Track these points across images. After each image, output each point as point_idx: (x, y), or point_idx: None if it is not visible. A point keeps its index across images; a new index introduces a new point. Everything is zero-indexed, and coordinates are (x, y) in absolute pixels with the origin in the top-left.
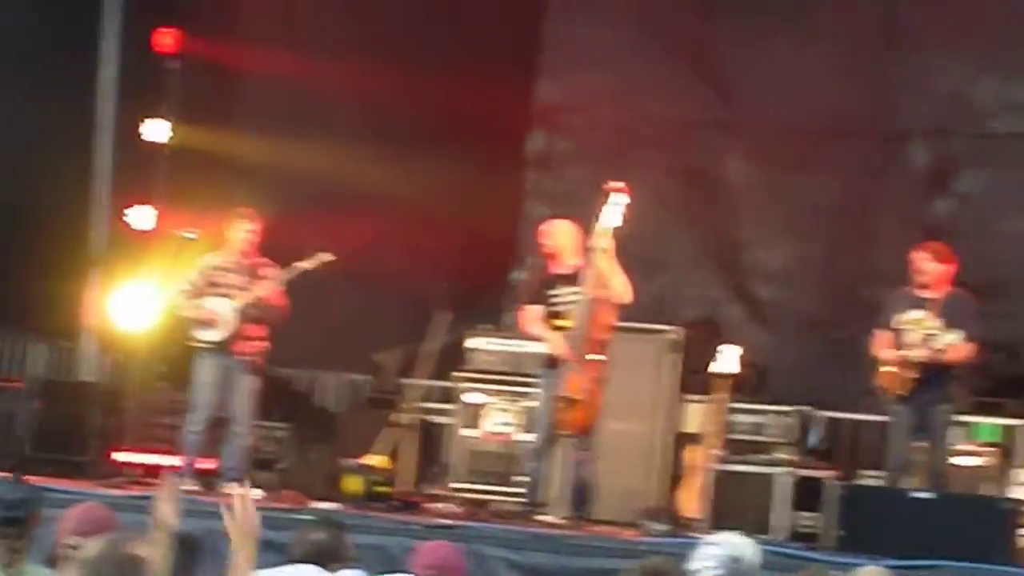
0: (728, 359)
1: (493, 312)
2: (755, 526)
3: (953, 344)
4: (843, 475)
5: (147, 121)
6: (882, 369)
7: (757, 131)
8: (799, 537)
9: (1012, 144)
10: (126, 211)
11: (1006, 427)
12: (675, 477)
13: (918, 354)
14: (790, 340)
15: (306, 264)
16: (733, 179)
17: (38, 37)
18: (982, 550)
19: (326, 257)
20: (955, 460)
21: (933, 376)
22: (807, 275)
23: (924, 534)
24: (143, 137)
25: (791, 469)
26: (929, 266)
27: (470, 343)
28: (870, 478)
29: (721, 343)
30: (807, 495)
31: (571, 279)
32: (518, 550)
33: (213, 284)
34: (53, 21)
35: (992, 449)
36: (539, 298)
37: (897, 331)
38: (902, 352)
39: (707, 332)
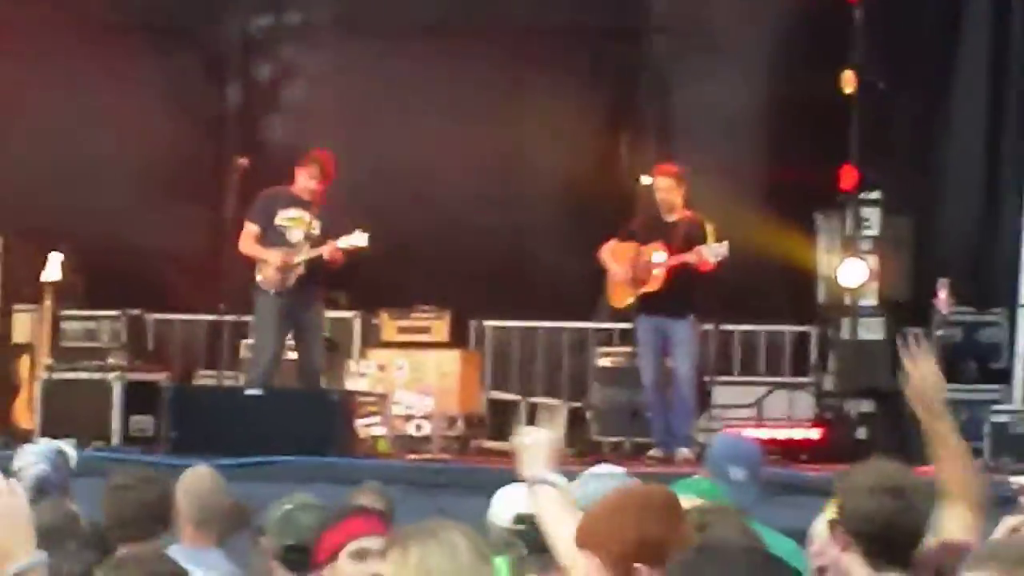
0: (53, 266)
1: None
2: (92, 433)
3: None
4: (179, 376)
5: None
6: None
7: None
8: (137, 441)
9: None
10: None
11: (336, 320)
12: (7, 389)
13: (303, 253)
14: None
15: None
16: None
17: None
18: (317, 443)
19: None
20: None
21: (312, 272)
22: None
23: (258, 431)
24: None
25: (124, 373)
26: (311, 184)
27: None
28: (207, 378)
29: (48, 250)
30: (143, 398)
31: None
32: None
33: None
34: None
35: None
36: None
37: (278, 228)
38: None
39: (31, 239)
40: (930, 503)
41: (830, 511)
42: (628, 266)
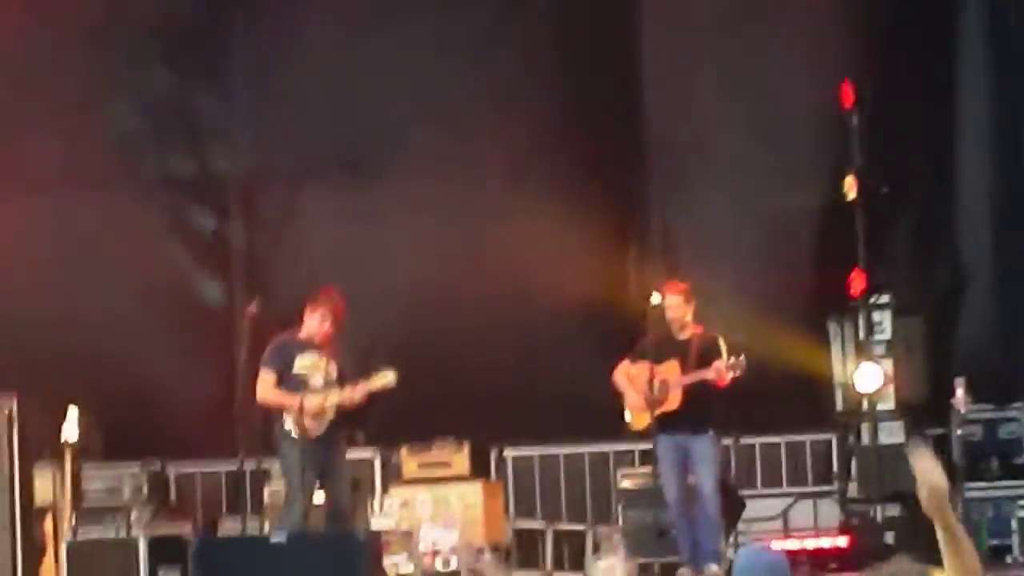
0: (70, 423)
1: None
2: None
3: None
4: (203, 526)
5: None
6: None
7: None
8: None
9: None
10: None
11: (356, 458)
12: (33, 554)
13: (331, 399)
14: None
15: None
16: None
17: None
18: None
19: None
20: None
21: (338, 414)
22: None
23: None
24: None
25: (148, 528)
26: (323, 326)
27: None
28: (231, 524)
29: (61, 404)
30: (169, 552)
31: None
32: None
33: None
34: None
35: None
36: None
37: (297, 376)
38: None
39: (44, 394)
40: None
41: None
42: (643, 389)
